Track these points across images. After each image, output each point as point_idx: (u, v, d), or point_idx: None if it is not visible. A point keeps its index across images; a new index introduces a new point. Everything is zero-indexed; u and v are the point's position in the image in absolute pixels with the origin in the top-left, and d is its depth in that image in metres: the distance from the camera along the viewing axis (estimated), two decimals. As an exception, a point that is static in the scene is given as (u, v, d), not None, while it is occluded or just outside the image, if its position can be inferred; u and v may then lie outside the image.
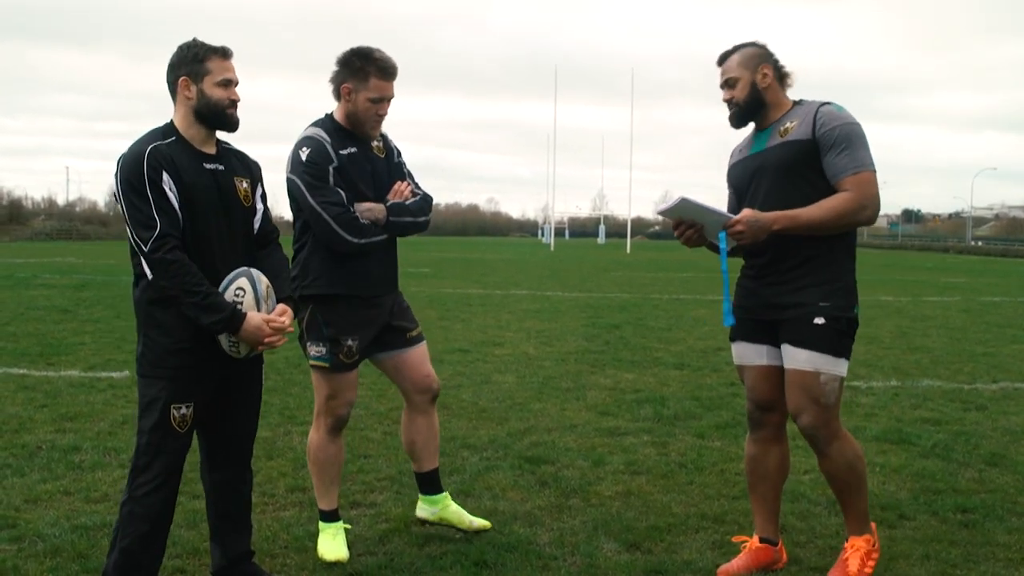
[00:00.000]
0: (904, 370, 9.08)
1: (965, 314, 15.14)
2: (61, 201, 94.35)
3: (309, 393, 7.37)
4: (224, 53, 3.22)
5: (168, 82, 3.24)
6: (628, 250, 54.25)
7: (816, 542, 4.16)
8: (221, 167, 3.28)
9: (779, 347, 3.77)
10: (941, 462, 5.51)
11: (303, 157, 3.75)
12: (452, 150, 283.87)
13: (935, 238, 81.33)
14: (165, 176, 3.08)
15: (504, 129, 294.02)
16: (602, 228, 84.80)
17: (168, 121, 3.27)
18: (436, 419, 4.22)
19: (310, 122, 3.92)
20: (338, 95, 3.85)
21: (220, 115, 3.22)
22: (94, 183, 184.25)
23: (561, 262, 35.68)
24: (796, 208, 3.56)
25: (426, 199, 4.03)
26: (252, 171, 3.44)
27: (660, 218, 3.87)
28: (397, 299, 4.08)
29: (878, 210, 3.63)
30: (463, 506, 4.46)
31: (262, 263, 3.38)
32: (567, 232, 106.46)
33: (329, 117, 3.91)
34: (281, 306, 3.31)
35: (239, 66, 3.32)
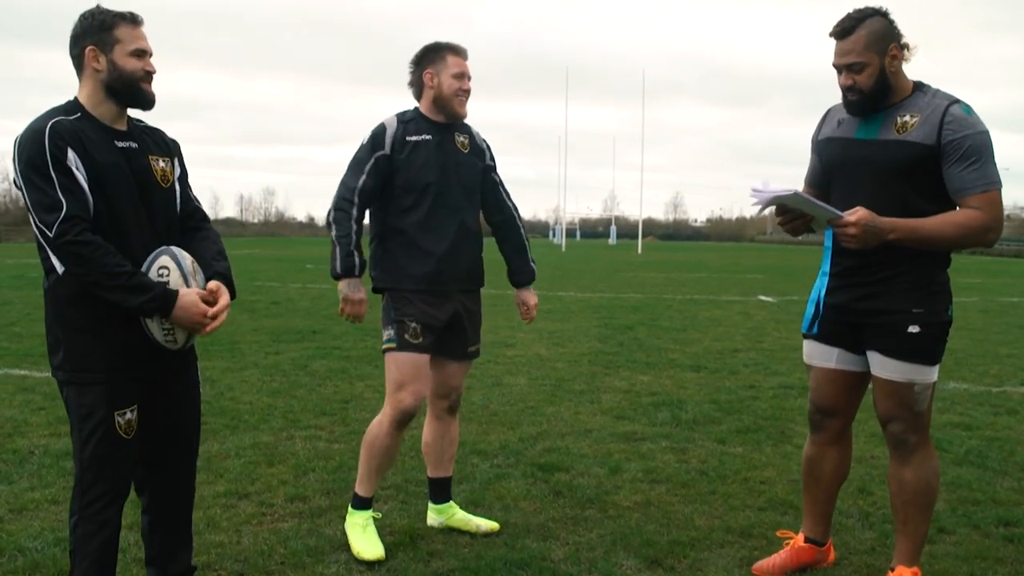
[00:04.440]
0: (929, 373, 8.77)
1: (984, 315, 14.83)
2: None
3: (315, 396, 7.17)
4: (134, 19, 2.89)
5: (72, 56, 2.88)
6: (639, 251, 53.97)
7: (851, 559, 3.88)
8: (134, 145, 2.92)
9: (854, 352, 3.45)
10: (976, 470, 5.23)
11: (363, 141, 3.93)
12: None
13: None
14: (71, 153, 2.72)
15: (515, 131, 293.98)
16: (613, 229, 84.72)
17: (71, 99, 2.90)
18: (454, 429, 4.21)
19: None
20: (420, 90, 3.95)
21: (134, 88, 2.88)
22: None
23: (572, 263, 35.41)
24: (897, 214, 3.17)
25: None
26: (170, 149, 3.08)
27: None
28: (473, 305, 4.08)
29: (1001, 232, 3.24)
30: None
31: (188, 248, 3.01)
32: (578, 233, 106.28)
33: (414, 109, 4.01)
34: (213, 282, 2.96)
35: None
